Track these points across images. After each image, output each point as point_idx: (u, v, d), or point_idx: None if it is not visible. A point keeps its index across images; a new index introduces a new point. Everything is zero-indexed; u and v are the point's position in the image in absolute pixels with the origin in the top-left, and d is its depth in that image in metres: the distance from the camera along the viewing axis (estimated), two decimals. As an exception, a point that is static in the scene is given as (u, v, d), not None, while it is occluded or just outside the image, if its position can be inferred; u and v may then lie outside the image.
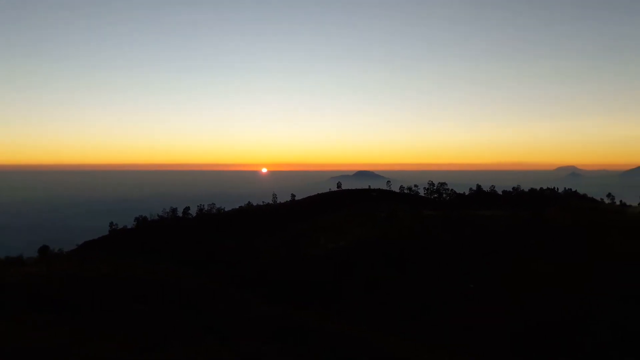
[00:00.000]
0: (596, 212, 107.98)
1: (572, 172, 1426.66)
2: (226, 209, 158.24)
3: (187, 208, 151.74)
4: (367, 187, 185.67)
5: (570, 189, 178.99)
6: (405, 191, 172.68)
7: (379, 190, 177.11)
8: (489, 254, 67.95)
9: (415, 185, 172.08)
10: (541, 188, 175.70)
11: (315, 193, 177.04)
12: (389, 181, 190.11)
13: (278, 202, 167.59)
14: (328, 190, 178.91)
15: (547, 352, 33.90)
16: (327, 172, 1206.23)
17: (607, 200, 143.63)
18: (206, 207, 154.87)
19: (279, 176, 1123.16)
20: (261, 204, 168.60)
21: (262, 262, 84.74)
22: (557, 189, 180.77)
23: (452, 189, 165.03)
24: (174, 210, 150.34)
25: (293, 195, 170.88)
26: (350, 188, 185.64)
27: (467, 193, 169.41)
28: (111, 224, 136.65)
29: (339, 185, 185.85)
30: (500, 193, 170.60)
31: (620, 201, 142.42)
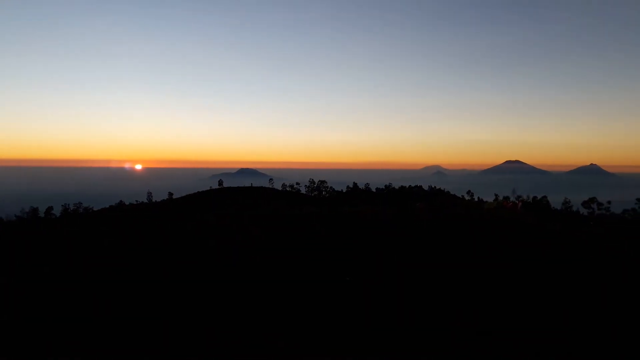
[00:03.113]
0: (457, 207, 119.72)
1: (437, 171, 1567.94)
2: (95, 208, 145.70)
3: (50, 208, 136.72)
4: (250, 185, 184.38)
5: (435, 187, 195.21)
6: (287, 189, 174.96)
7: (262, 188, 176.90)
8: (364, 247, 71.61)
9: (297, 183, 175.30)
10: (410, 186, 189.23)
11: (195, 191, 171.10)
12: (271, 179, 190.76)
13: (154, 200, 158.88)
14: (209, 188, 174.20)
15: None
16: (208, 169, 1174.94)
17: (467, 197, 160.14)
18: (72, 207, 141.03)
19: (155, 173, 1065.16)
20: (134, 202, 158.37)
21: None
22: (423, 186, 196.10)
23: (331, 187, 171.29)
24: (34, 210, 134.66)
25: (170, 194, 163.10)
26: (232, 186, 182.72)
27: (344, 190, 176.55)
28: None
29: (220, 183, 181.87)
30: (374, 190, 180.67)
31: (478, 197, 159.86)
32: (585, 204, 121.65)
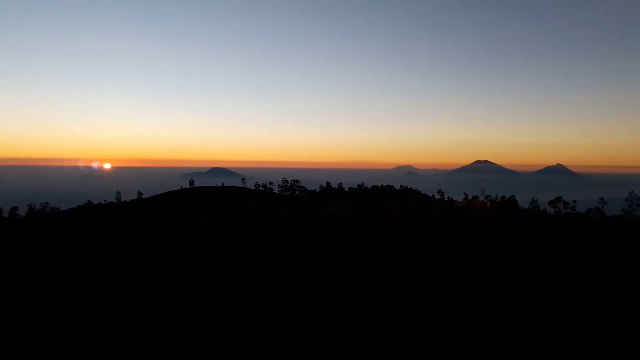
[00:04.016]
0: (432, 207, 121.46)
1: (409, 170, 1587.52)
2: (62, 209, 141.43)
3: (15, 208, 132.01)
4: (221, 184, 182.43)
5: (407, 186, 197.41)
6: (260, 188, 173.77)
7: (234, 188, 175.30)
8: (337, 246, 71.62)
9: (270, 183, 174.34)
10: (382, 185, 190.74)
11: (165, 191, 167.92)
12: (243, 178, 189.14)
13: (123, 200, 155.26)
14: (179, 188, 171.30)
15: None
16: (179, 168, 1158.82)
17: (437, 196, 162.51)
18: (38, 207, 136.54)
19: (125, 172, 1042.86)
20: (103, 202, 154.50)
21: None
22: (395, 186, 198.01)
23: (304, 186, 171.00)
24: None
25: (140, 193, 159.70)
26: (203, 185, 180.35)
27: (317, 190, 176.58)
28: None
29: (191, 182, 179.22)
30: (347, 190, 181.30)
31: (448, 197, 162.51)
32: (552, 203, 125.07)
